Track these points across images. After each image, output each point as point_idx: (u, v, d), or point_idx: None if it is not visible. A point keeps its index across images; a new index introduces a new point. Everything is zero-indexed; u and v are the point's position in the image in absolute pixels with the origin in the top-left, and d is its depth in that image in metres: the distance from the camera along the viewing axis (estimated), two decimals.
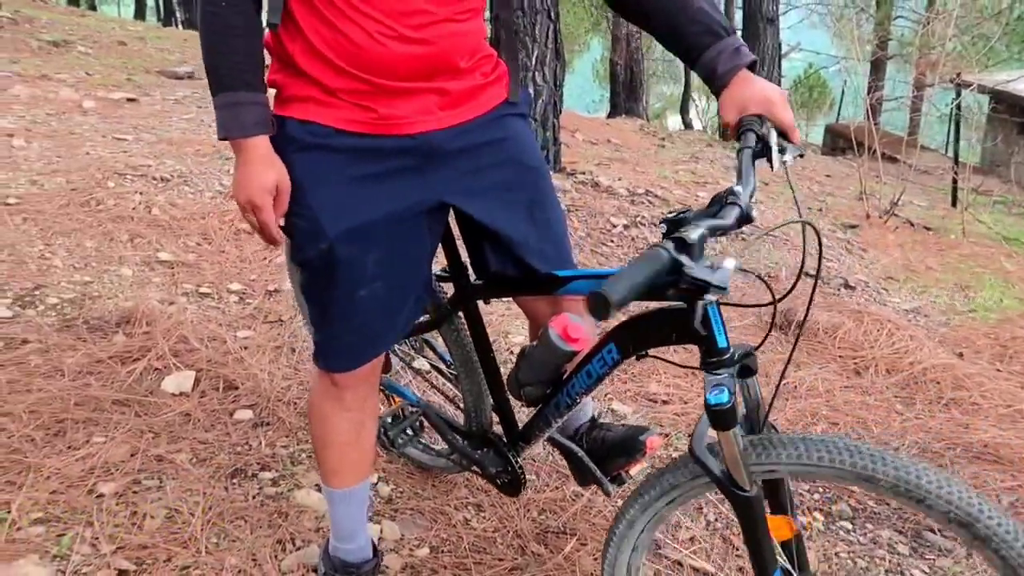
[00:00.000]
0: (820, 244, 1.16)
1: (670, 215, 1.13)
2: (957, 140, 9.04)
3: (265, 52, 1.38)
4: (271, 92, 1.41)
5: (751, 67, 1.34)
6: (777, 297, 1.19)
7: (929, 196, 8.89)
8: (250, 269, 3.53)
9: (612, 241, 4.39)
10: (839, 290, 4.47)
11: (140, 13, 22.63)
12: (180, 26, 20.88)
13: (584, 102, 26.14)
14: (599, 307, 0.95)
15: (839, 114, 16.41)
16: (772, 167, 1.24)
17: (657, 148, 9.01)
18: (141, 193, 3.97)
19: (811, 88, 21.95)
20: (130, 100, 6.17)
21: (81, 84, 6.58)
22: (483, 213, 1.46)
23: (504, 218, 1.47)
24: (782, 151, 1.26)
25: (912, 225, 6.80)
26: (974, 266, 5.75)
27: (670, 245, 1.04)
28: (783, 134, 1.28)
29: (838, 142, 12.66)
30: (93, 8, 23.28)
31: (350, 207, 1.38)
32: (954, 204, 8.40)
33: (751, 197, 1.16)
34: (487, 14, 1.57)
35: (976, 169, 9.97)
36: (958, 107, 8.73)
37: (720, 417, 1.18)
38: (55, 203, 3.77)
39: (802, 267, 1.34)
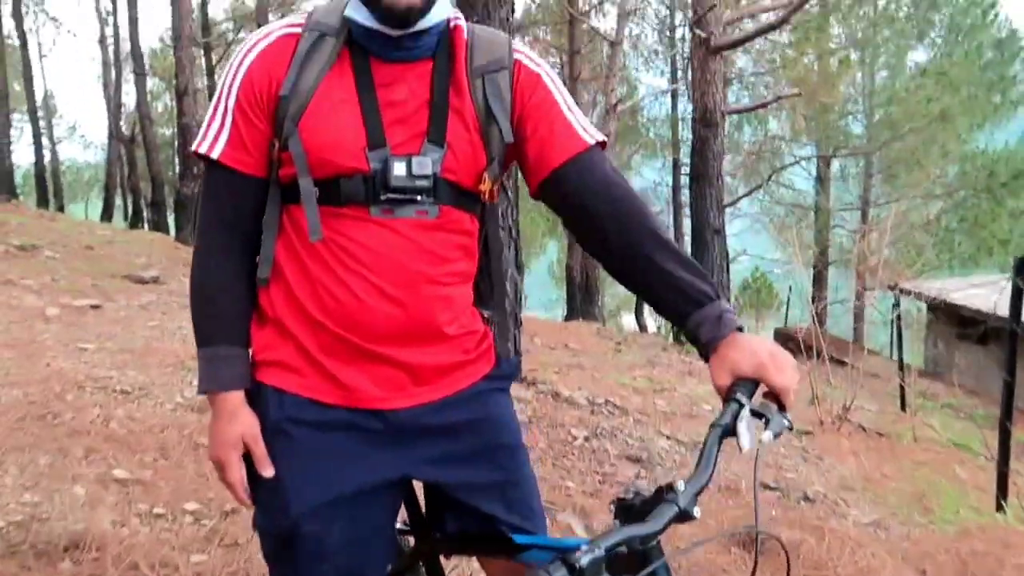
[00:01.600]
0: (756, 560, 1.14)
1: (623, 496, 1.09)
2: (900, 345, 9.41)
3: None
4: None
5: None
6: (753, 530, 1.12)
7: (878, 400, 9.12)
8: (207, 487, 3.46)
9: (573, 454, 4.41)
10: (799, 503, 4.48)
11: (108, 213, 23.19)
12: (147, 226, 21.40)
13: (542, 301, 26.86)
14: None
15: (787, 317, 17.03)
16: (741, 449, 1.16)
17: (614, 352, 9.21)
18: (100, 406, 3.94)
19: (758, 290, 22.86)
20: (94, 307, 6.23)
21: (46, 290, 6.64)
22: (453, 488, 1.45)
23: (474, 495, 1.46)
24: (768, 423, 1.19)
25: (865, 431, 6.93)
26: (929, 473, 5.83)
27: (560, 573, 0.91)
28: (777, 398, 1.23)
29: (787, 345, 12.99)
30: (61, 209, 23.83)
31: (318, 482, 1.37)
32: (903, 408, 8.62)
33: (700, 491, 1.08)
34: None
35: (922, 373, 10.31)
36: (898, 316, 9.15)
37: None
38: (11, 417, 3.71)
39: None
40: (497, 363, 1.51)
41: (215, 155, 1.37)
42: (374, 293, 1.34)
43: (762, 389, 1.25)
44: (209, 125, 1.39)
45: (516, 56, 1.45)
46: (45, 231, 10.34)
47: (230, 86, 1.37)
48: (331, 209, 1.34)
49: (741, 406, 1.18)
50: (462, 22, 1.45)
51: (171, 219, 18.91)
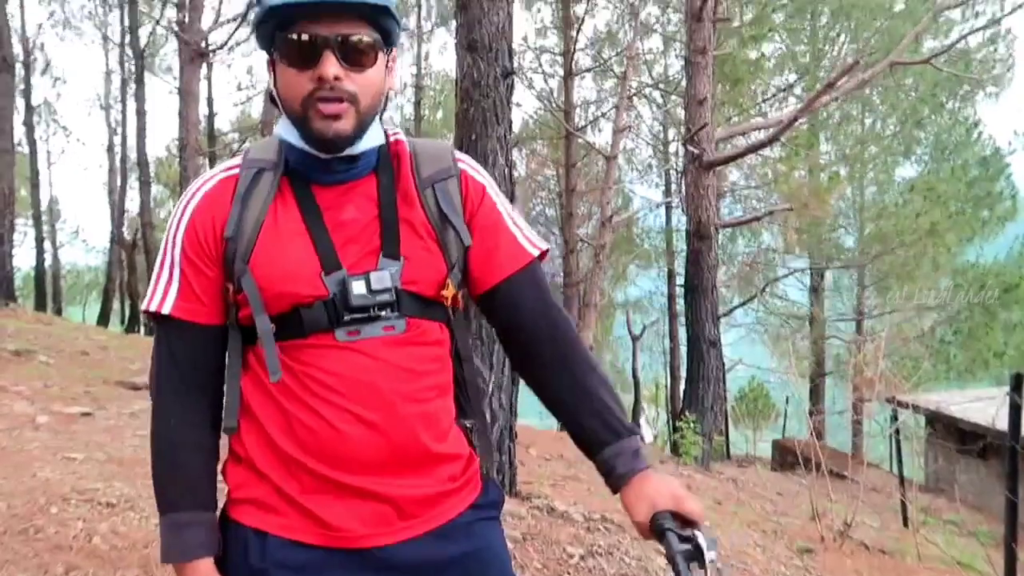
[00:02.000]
0: None
1: None
2: (900, 459, 9.29)
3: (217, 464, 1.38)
4: (222, 487, 1.39)
5: None
6: None
7: (880, 515, 8.93)
8: None
9: (568, 573, 4.28)
10: None
11: (105, 317, 23.22)
12: (143, 330, 21.38)
13: (536, 408, 26.49)
14: None
15: (784, 427, 16.87)
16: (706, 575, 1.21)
17: None
18: (84, 520, 3.85)
19: (755, 400, 22.73)
20: (85, 414, 6.16)
21: (38, 396, 6.58)
22: None
23: None
24: (710, 547, 1.24)
25: (867, 548, 6.77)
26: None
27: None
28: (693, 524, 1.28)
29: (786, 457, 12.90)
30: (59, 312, 23.86)
31: None
32: (905, 524, 8.44)
33: None
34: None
35: (922, 488, 10.14)
36: (897, 430, 9.07)
37: None
38: None
39: None
40: (484, 489, 1.47)
41: (166, 310, 1.33)
42: (351, 420, 1.29)
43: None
44: (157, 281, 1.36)
45: (461, 166, 1.46)
46: (41, 336, 10.32)
47: (174, 237, 1.35)
48: (295, 342, 1.32)
49: (682, 536, 1.25)
50: (402, 136, 1.46)
51: None
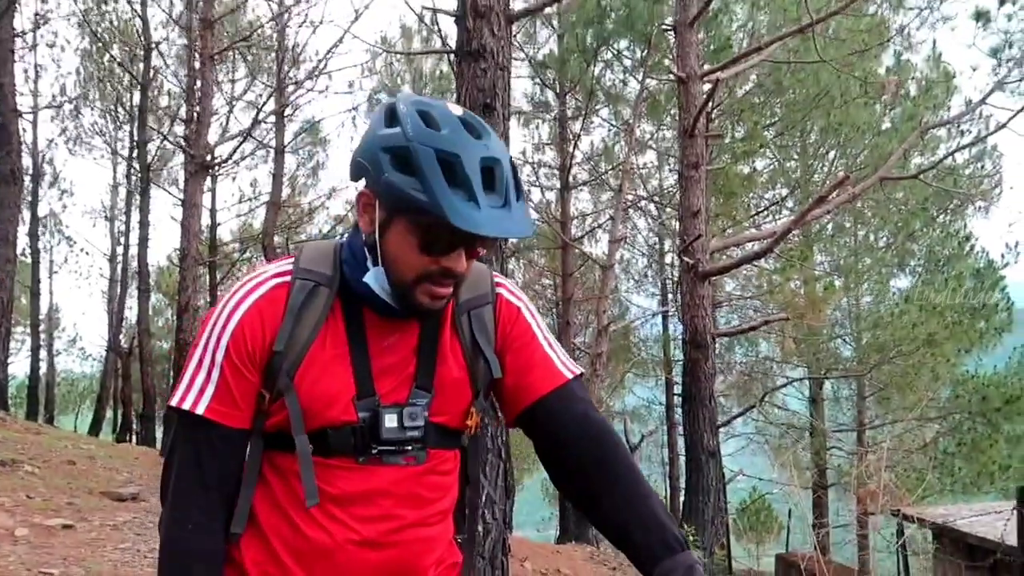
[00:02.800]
0: None
1: None
2: (908, 574, 8.99)
3: None
4: None
5: None
6: None
7: None
8: None
9: None
10: None
11: (97, 426, 22.91)
12: (135, 439, 21.05)
13: (534, 519, 25.95)
14: None
15: (788, 541, 16.40)
16: None
17: None
18: None
19: (757, 512, 22.18)
20: (66, 527, 5.98)
21: (19, 508, 6.41)
22: None
23: None
24: None
25: None
26: None
27: None
28: None
29: (790, 572, 12.48)
30: (51, 420, 23.56)
31: None
32: None
33: None
34: None
35: None
36: (903, 545, 8.82)
37: None
38: None
39: None
40: None
41: (200, 410, 1.31)
42: (357, 540, 1.30)
43: None
44: (192, 379, 1.32)
45: (498, 290, 1.47)
46: (29, 445, 10.14)
47: (218, 338, 1.32)
48: (318, 459, 1.32)
49: None
50: None
51: (159, 432, 18.68)
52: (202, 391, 1.31)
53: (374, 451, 1.31)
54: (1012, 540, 4.86)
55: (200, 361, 1.33)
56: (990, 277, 19.60)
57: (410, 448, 1.33)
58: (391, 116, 1.27)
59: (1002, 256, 19.91)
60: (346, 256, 1.37)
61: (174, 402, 1.32)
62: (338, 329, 1.35)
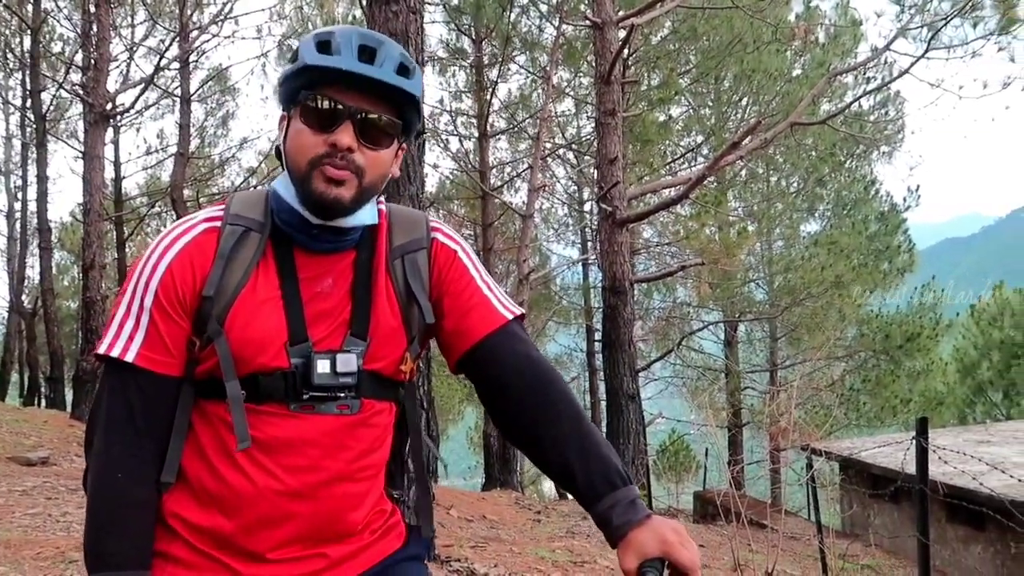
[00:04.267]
0: None
1: None
2: (817, 507, 9.41)
3: None
4: None
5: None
6: None
7: (800, 563, 9.01)
8: None
9: None
10: None
11: (2, 390, 22.03)
12: (43, 402, 20.32)
13: (460, 468, 26.26)
14: None
15: (705, 479, 17.00)
16: None
17: (533, 523, 8.94)
18: None
19: (676, 453, 22.88)
20: None
21: None
22: None
23: None
24: None
25: None
26: None
27: None
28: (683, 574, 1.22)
29: (707, 508, 12.97)
30: None
31: None
32: (825, 572, 8.50)
33: None
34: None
35: (839, 533, 10.28)
36: (812, 477, 9.22)
37: None
38: None
39: None
40: (406, 542, 1.47)
41: (129, 357, 1.27)
42: (280, 491, 1.28)
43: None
44: (120, 326, 1.29)
45: (433, 234, 1.46)
46: None
47: (147, 284, 1.29)
48: (249, 406, 1.29)
49: None
50: (384, 205, 1.46)
51: (69, 395, 18.05)
52: (131, 338, 1.28)
53: (306, 397, 1.29)
54: (911, 469, 5.14)
55: (128, 307, 1.29)
56: (893, 220, 20.42)
57: (343, 396, 1.32)
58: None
59: (904, 200, 20.74)
60: (274, 200, 1.36)
61: (101, 350, 1.28)
62: (270, 274, 1.33)
